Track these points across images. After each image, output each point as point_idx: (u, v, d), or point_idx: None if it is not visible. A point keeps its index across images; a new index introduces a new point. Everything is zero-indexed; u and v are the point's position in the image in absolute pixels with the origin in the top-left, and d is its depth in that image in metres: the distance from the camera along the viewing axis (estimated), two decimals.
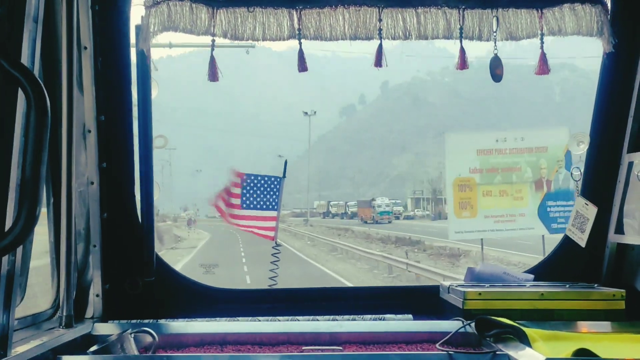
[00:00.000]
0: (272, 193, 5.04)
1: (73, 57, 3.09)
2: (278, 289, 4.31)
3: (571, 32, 3.37)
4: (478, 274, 3.63)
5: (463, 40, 3.35)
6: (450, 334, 2.95)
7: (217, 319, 3.43)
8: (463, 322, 3.09)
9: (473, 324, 3.03)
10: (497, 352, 2.73)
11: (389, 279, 24.03)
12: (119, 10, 3.39)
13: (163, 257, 3.71)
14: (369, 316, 3.46)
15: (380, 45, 3.33)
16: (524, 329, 2.83)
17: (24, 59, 2.39)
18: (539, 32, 3.35)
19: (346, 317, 3.44)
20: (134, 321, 3.27)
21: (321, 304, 3.66)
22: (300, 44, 3.34)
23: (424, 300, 3.68)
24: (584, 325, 3.14)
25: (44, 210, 2.75)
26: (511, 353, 2.69)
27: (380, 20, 3.30)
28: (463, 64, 3.45)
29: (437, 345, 2.88)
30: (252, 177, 5.03)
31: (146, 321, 3.27)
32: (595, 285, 3.49)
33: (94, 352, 2.75)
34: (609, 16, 3.40)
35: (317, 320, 3.41)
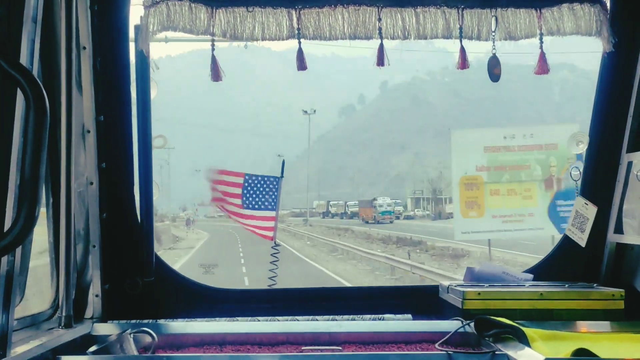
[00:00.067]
0: (270, 193, 5.04)
1: (72, 57, 3.09)
2: (277, 289, 4.31)
3: (570, 31, 3.37)
4: (477, 274, 3.63)
5: (462, 40, 3.35)
6: (449, 334, 2.95)
7: (217, 319, 3.43)
8: (462, 322, 3.09)
9: (472, 324, 3.03)
10: (497, 352, 2.73)
11: (392, 281, 23.71)
12: (118, 10, 3.38)
13: None
14: (369, 316, 3.46)
15: (382, 45, 3.33)
16: (523, 328, 2.83)
17: (23, 59, 2.39)
18: (538, 31, 3.35)
19: (345, 317, 3.44)
20: (133, 321, 3.26)
21: (320, 304, 3.66)
22: (299, 43, 3.34)
23: (423, 300, 3.67)
24: (583, 325, 3.14)
25: (43, 211, 2.75)
26: (510, 353, 2.69)
27: (379, 19, 3.30)
28: (463, 63, 3.45)
29: (436, 345, 2.88)
30: (253, 178, 5.03)
31: (146, 321, 3.26)
32: (595, 285, 3.49)
33: (94, 353, 2.75)
34: (608, 16, 3.40)
35: (317, 320, 3.41)
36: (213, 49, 3.28)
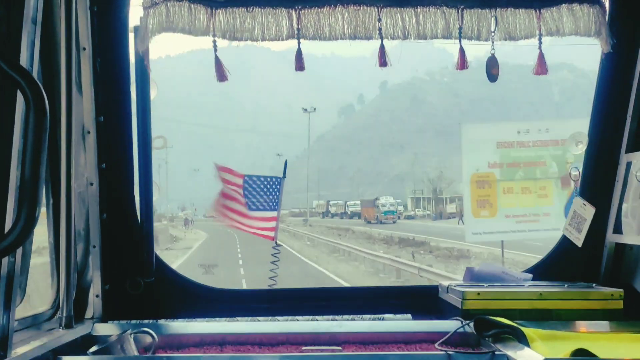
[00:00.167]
0: (272, 193, 5.04)
1: (72, 58, 3.09)
2: (277, 289, 4.31)
3: (569, 32, 3.37)
4: (477, 274, 3.63)
5: (462, 40, 3.35)
6: (449, 334, 2.95)
7: (217, 319, 3.43)
8: (462, 322, 3.09)
9: (472, 324, 3.03)
10: (496, 352, 2.73)
11: (398, 285, 23.25)
12: (117, 11, 3.38)
13: None
14: (368, 316, 3.47)
15: (382, 45, 3.33)
16: (523, 328, 2.83)
17: (23, 61, 2.39)
18: (537, 32, 3.35)
19: (345, 317, 3.45)
20: (133, 321, 3.27)
21: (320, 304, 3.66)
22: (299, 43, 3.34)
23: (423, 300, 3.68)
24: (582, 325, 3.14)
25: (43, 211, 2.76)
26: (510, 353, 2.69)
27: (379, 19, 3.30)
28: (463, 63, 3.46)
29: (436, 345, 2.88)
30: (254, 179, 5.02)
31: (146, 321, 3.27)
32: (594, 284, 3.49)
33: (94, 353, 2.75)
34: (607, 16, 3.40)
35: (317, 320, 3.42)
36: (215, 50, 3.28)
